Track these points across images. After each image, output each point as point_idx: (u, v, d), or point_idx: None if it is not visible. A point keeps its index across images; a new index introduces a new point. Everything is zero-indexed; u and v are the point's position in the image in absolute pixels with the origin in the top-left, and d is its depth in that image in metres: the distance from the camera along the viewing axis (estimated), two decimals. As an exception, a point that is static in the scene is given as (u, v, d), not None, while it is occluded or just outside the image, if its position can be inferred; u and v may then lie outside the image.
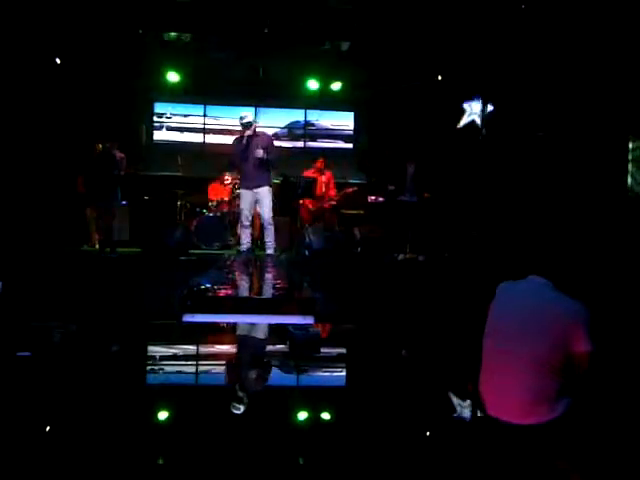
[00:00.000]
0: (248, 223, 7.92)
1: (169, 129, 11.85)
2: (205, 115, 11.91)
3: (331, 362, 4.99)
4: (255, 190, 7.76)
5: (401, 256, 8.46)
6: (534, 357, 2.47)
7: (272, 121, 11.92)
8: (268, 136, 8.18)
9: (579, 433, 2.50)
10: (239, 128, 7.96)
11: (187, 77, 11.10)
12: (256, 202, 7.83)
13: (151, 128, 11.72)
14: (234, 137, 8.18)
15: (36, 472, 2.63)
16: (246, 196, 7.84)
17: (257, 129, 7.94)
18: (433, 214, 8.82)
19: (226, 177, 9.85)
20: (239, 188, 8.32)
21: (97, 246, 8.66)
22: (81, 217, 8.84)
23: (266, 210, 7.81)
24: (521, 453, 2.50)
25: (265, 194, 7.78)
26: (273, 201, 8.12)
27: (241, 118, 7.86)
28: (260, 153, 7.61)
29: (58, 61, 9.66)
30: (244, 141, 7.75)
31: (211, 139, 11.86)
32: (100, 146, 8.60)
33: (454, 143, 10.24)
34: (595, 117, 7.76)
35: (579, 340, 2.43)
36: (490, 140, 9.89)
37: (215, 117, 11.97)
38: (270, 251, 7.95)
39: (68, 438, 2.96)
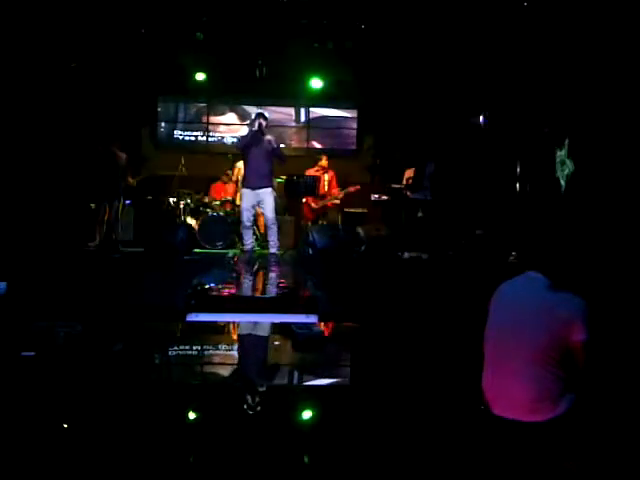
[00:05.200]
0: (250, 223, 7.92)
1: (172, 128, 11.85)
2: (208, 114, 11.90)
3: (334, 360, 4.98)
4: (257, 191, 7.75)
5: (406, 254, 8.44)
6: (534, 352, 2.47)
7: (276, 119, 11.91)
8: (274, 140, 8.18)
9: (583, 430, 2.49)
10: (245, 128, 7.98)
11: (190, 76, 11.10)
12: (258, 203, 7.83)
13: (154, 128, 11.72)
14: (243, 134, 8.20)
15: (39, 471, 2.63)
16: (248, 196, 7.83)
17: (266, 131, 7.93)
18: (438, 212, 8.80)
19: (227, 172, 9.88)
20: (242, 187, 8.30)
21: (97, 243, 8.67)
22: (84, 217, 8.84)
23: (269, 210, 7.81)
24: (525, 451, 2.50)
25: (267, 195, 7.78)
26: (276, 200, 8.13)
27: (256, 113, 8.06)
28: (272, 149, 7.73)
29: (73, 65, 9.66)
30: (249, 136, 7.77)
31: (214, 138, 11.86)
32: (114, 148, 8.63)
33: (457, 142, 10.21)
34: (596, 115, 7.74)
35: (577, 332, 2.44)
36: (493, 139, 9.87)
37: (218, 116, 11.97)
38: (273, 250, 7.94)
39: (72, 437, 2.97)
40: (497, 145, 9.82)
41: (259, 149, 7.69)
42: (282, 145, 11.01)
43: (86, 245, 8.76)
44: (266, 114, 8.16)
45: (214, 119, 11.94)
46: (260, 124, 7.69)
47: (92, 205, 8.91)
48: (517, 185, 9.63)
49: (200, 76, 10.99)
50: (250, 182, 7.82)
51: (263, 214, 8.01)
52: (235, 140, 8.36)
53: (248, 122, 8.09)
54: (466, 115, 10.34)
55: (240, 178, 8.83)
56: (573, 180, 8.14)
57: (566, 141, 8.37)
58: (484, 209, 9.39)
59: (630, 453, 2.56)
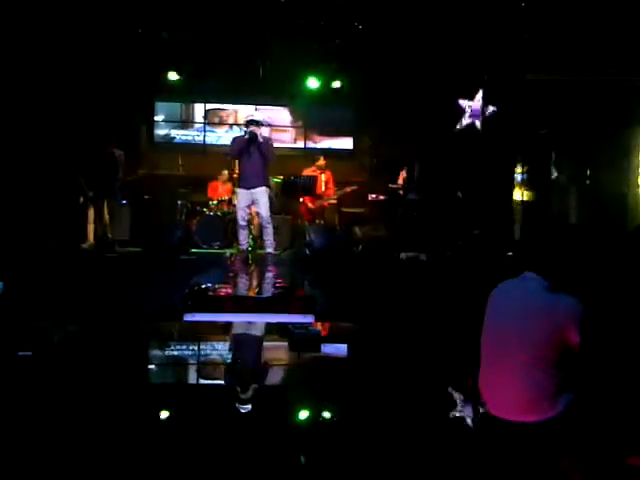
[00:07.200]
0: (245, 223, 7.95)
1: (169, 128, 11.83)
2: (205, 114, 11.88)
3: (331, 360, 4.99)
4: (252, 190, 7.79)
5: (403, 255, 8.45)
6: (531, 353, 2.47)
7: (272, 120, 11.90)
8: (266, 137, 8.19)
9: (581, 430, 2.50)
10: (242, 129, 7.96)
11: (187, 76, 11.08)
12: (253, 202, 7.86)
13: (151, 128, 11.69)
14: (236, 136, 8.20)
15: (37, 471, 2.63)
16: (242, 195, 7.89)
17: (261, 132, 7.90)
18: (433, 213, 8.81)
19: (223, 173, 9.88)
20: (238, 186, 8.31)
21: (92, 243, 8.66)
22: (81, 216, 8.83)
23: (263, 209, 7.85)
24: (522, 451, 2.50)
25: (261, 194, 7.82)
26: (273, 199, 8.15)
27: (249, 116, 8.02)
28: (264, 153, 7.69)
29: None
30: (244, 140, 7.80)
31: (211, 138, 11.84)
32: (111, 147, 8.60)
33: (455, 141, 10.23)
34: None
35: (574, 333, 2.45)
36: (490, 138, 9.89)
37: (215, 116, 11.95)
38: (270, 250, 7.96)
39: (69, 438, 2.96)
40: (494, 146, 9.84)
41: (253, 150, 7.73)
42: (280, 145, 11.04)
43: (80, 244, 8.76)
44: (257, 117, 8.14)
45: (211, 119, 11.92)
46: (252, 132, 7.72)
47: (88, 204, 8.87)
48: (514, 186, 9.66)
49: (197, 76, 10.98)
50: (245, 182, 7.88)
51: (258, 214, 8.02)
52: (229, 145, 8.32)
53: (242, 124, 8.07)
54: (463, 115, 10.36)
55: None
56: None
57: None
58: (481, 209, 9.42)
59: (628, 452, 2.56)
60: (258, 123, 7.87)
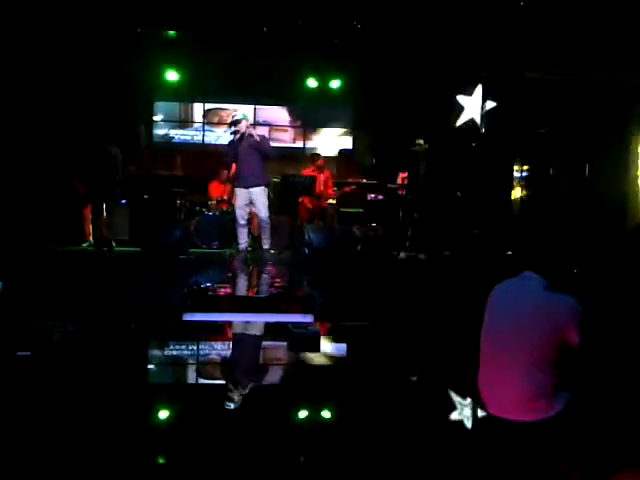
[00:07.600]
0: (244, 222, 7.94)
1: (168, 128, 11.82)
2: (204, 114, 11.88)
3: (330, 360, 4.99)
4: (250, 189, 7.79)
5: (402, 254, 8.45)
6: (531, 352, 2.48)
7: (272, 119, 11.91)
8: (261, 136, 8.21)
9: (579, 430, 2.50)
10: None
11: (186, 76, 11.08)
12: (251, 201, 7.85)
13: (150, 127, 11.69)
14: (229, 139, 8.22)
15: (36, 471, 2.62)
16: (241, 195, 7.88)
17: (250, 128, 7.92)
18: (435, 212, 8.81)
19: (222, 173, 9.89)
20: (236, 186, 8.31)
21: (91, 244, 8.67)
22: (79, 216, 8.83)
23: (262, 209, 7.83)
24: (521, 451, 2.50)
25: (260, 193, 7.80)
26: (272, 199, 8.16)
27: (233, 116, 8.03)
28: (256, 143, 7.68)
29: None
30: (236, 140, 7.81)
31: (210, 138, 11.84)
32: (109, 147, 8.60)
33: (454, 140, 10.23)
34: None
35: (573, 333, 2.45)
36: (490, 137, 9.89)
37: (214, 115, 11.95)
38: (266, 246, 7.96)
39: (68, 438, 2.96)
40: (493, 145, 9.85)
41: (248, 149, 7.73)
42: (279, 145, 11.04)
43: (79, 244, 8.77)
44: (239, 115, 8.16)
45: (210, 119, 11.92)
46: (237, 131, 7.74)
47: (86, 204, 8.87)
48: (514, 185, 9.67)
49: (197, 76, 10.98)
50: (243, 181, 7.87)
51: (256, 213, 8.01)
52: (225, 147, 8.36)
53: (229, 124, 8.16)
54: (460, 115, 10.37)
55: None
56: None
57: None
58: (481, 209, 9.42)
59: (627, 452, 2.56)
60: (239, 122, 7.86)
